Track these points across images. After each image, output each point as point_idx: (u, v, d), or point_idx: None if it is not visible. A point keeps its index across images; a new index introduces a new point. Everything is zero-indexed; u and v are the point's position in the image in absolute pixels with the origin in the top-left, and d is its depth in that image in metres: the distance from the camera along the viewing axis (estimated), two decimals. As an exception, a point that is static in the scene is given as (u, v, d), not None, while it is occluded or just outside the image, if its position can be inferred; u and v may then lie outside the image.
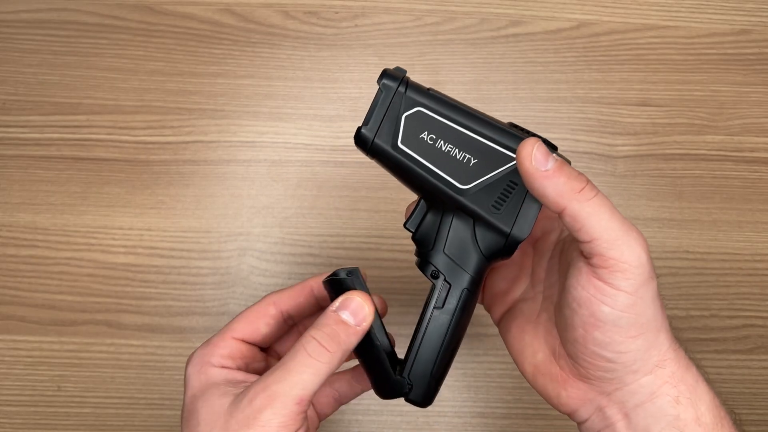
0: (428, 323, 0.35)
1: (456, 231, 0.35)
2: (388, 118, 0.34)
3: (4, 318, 0.56)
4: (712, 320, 0.58)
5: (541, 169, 0.30)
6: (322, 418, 0.40)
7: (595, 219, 0.30)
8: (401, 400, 0.35)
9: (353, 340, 0.33)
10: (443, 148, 0.34)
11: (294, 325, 0.40)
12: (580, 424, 0.35)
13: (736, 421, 0.33)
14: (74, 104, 0.61)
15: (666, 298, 0.58)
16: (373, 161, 0.36)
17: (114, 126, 0.60)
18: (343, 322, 0.33)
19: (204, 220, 0.58)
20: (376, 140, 0.34)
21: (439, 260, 0.35)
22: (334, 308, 0.33)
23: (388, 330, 0.36)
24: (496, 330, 0.59)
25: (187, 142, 0.60)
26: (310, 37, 0.63)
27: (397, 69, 0.35)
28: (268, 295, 0.38)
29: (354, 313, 0.33)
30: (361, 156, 0.36)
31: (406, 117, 0.34)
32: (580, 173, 0.31)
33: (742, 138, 0.62)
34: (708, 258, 0.59)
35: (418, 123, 0.34)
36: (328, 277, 0.35)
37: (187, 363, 0.36)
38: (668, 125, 0.62)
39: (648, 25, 0.64)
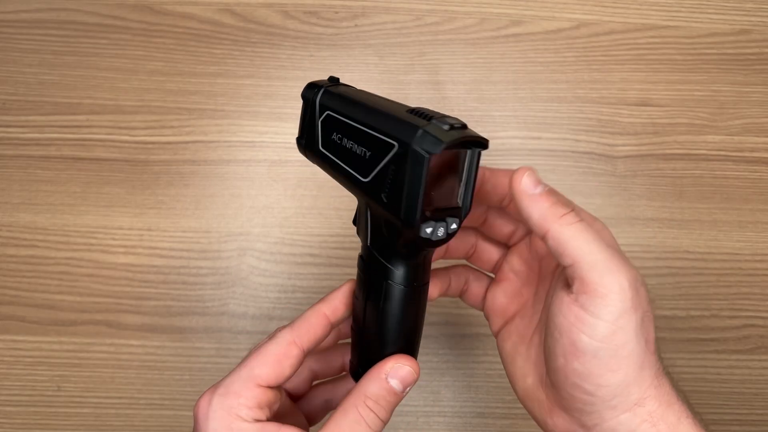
0: (364, 320, 0.35)
1: (374, 226, 0.34)
2: (309, 126, 0.36)
3: (4, 318, 0.56)
4: (713, 320, 0.58)
5: (529, 192, 0.31)
6: (312, 421, 0.39)
7: (576, 242, 0.30)
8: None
9: (397, 403, 0.34)
10: (347, 145, 0.34)
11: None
12: None
13: None
14: (74, 104, 0.61)
15: (666, 298, 0.58)
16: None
17: (114, 126, 0.60)
18: (394, 393, 0.33)
19: (204, 220, 0.58)
20: (306, 148, 0.37)
21: (369, 255, 0.34)
22: (384, 375, 0.34)
23: None
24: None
25: (187, 142, 0.60)
26: (310, 37, 0.63)
27: (330, 78, 0.37)
28: (281, 331, 0.35)
29: (403, 380, 0.34)
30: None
31: (320, 122, 0.35)
32: (569, 201, 0.31)
33: (743, 138, 0.62)
34: (708, 258, 0.59)
35: (330, 126, 0.35)
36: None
37: (204, 413, 0.32)
38: (668, 125, 0.62)
39: (648, 25, 0.64)
